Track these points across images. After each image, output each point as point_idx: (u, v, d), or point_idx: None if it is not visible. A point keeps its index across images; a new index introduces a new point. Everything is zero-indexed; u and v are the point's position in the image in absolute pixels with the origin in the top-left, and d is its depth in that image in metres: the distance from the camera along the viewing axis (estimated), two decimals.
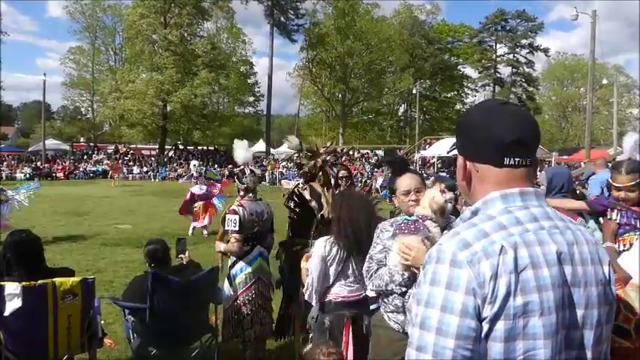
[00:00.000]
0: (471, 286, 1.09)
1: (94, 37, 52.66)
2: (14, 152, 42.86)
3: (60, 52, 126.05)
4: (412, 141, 44.21)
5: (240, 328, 4.16)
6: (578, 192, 6.04)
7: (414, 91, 45.62)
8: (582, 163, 23.49)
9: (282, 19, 49.17)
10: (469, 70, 59.34)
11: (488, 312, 1.09)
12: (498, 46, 57.27)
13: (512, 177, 1.22)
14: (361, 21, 48.44)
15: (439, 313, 1.11)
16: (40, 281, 3.26)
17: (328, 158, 4.37)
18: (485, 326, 1.10)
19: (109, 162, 37.23)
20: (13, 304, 3.15)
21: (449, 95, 59.65)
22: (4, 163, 36.71)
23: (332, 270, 3.11)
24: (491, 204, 1.22)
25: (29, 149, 45.59)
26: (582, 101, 53.68)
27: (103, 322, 3.93)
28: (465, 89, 60.19)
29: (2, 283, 3.21)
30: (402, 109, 60.26)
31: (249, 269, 4.15)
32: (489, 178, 1.25)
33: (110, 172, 31.33)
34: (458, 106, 59.86)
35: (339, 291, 3.13)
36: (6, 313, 3.16)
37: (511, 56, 56.68)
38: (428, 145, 36.49)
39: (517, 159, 1.22)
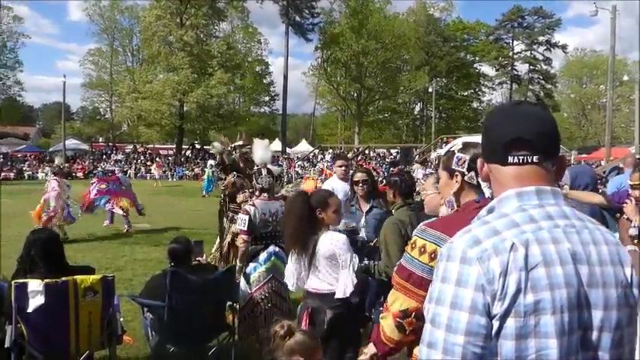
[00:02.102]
0: (480, 282, 1.10)
1: (112, 38, 53.33)
2: (35, 152, 43.56)
3: (80, 54, 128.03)
4: (428, 140, 43.97)
5: (255, 327, 4.19)
6: (600, 191, 5.96)
7: (430, 90, 45.38)
8: (602, 162, 23.14)
9: (297, 18, 49.23)
10: (486, 68, 58.92)
11: (498, 309, 1.09)
12: (515, 43, 56.71)
13: (520, 176, 1.22)
14: (374, 19, 48.25)
15: (449, 309, 1.11)
16: (62, 279, 3.33)
17: (244, 151, 5.37)
18: (496, 323, 1.09)
19: (158, 160, 37.42)
20: (36, 301, 3.23)
21: (465, 93, 59.15)
22: (26, 162, 37.33)
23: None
24: (506, 202, 1.22)
25: (50, 149, 46.32)
26: (602, 99, 52.90)
27: (122, 319, 3.99)
28: (482, 87, 59.69)
29: (26, 280, 3.29)
30: (417, 108, 59.96)
31: (263, 268, 4.20)
32: (500, 177, 1.26)
33: (156, 172, 31.81)
34: (474, 105, 59.41)
35: (310, 283, 3.24)
36: (29, 310, 3.24)
37: (528, 53, 56.07)
38: (444, 144, 36.21)
39: (520, 157, 1.22)
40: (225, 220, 5.63)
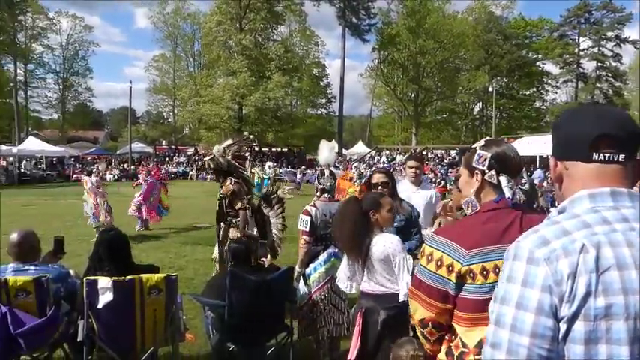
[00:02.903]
0: (547, 283, 1.08)
1: (175, 44, 55.35)
2: (104, 155, 45.79)
3: (145, 60, 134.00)
4: None
5: (314, 327, 4.22)
6: None
7: (490, 89, 44.17)
8: None
9: (353, 19, 49.20)
10: (549, 66, 56.54)
11: (565, 311, 1.06)
12: (581, 39, 54.14)
13: (603, 174, 1.18)
14: (432, 18, 47.52)
15: (514, 309, 1.10)
16: (128, 277, 3.47)
17: (234, 150, 5.26)
18: (563, 326, 1.07)
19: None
20: (105, 298, 3.38)
21: (527, 92, 57.08)
22: (96, 165, 39.29)
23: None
24: (577, 203, 1.19)
25: (117, 152, 48.60)
26: None
27: (184, 317, 4.12)
28: (545, 86, 57.42)
29: (96, 277, 3.45)
30: (477, 108, 58.47)
31: (323, 268, 4.20)
32: (578, 176, 1.22)
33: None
34: (537, 104, 57.24)
35: (365, 284, 3.25)
36: (99, 306, 3.40)
37: (596, 50, 53.37)
38: None
39: (607, 154, 1.18)
40: (222, 225, 5.55)
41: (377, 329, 3.07)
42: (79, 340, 3.50)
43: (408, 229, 4.04)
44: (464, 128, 56.74)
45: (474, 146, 2.03)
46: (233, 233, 5.29)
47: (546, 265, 1.08)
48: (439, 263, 1.81)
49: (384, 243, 3.12)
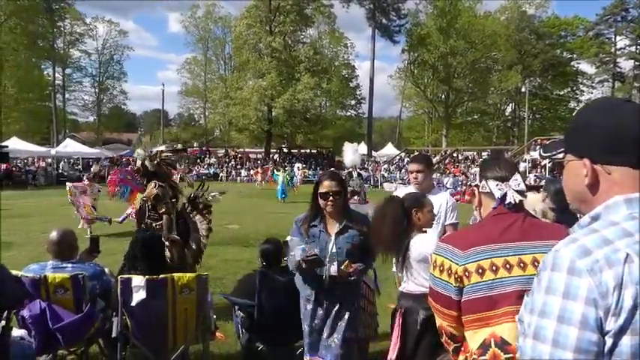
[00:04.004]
0: (591, 296, 1.02)
1: (206, 47, 56.30)
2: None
3: (177, 64, 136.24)
4: (521, 142, 42.03)
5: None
6: None
7: (523, 90, 43.37)
8: None
9: (383, 20, 49.03)
10: (584, 66, 55.10)
11: (612, 325, 1.01)
12: (618, 38, 52.65)
13: None
14: (463, 18, 46.96)
15: (556, 323, 1.04)
16: (161, 275, 3.55)
17: (165, 157, 5.11)
18: (609, 340, 1.02)
19: (267, 166, 38.83)
20: (138, 296, 3.47)
21: (561, 93, 55.79)
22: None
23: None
24: (613, 209, 1.13)
25: None
26: None
27: (214, 316, 4.18)
28: (580, 86, 56.03)
29: (130, 275, 3.55)
30: (509, 109, 57.47)
31: None
32: (621, 181, 1.15)
33: (260, 176, 32.59)
34: (572, 104, 55.85)
35: (404, 285, 3.23)
36: (132, 304, 3.49)
37: (633, 49, 51.81)
38: (538, 146, 34.45)
39: None
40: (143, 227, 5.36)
41: (416, 329, 3.05)
42: (113, 336, 3.60)
43: (364, 250, 3.38)
44: (495, 129, 55.85)
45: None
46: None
47: (590, 277, 1.03)
48: (441, 268, 1.88)
49: (422, 243, 3.10)
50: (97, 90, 55.58)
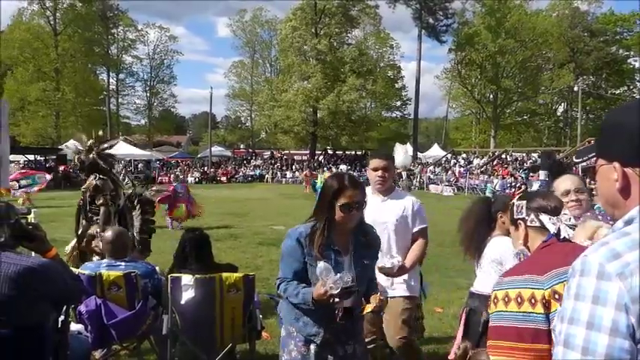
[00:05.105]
0: (622, 301, 0.98)
1: (253, 51, 57.31)
2: (186, 158, 47.97)
3: (225, 67, 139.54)
4: (573, 143, 40.56)
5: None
6: None
7: (575, 89, 41.83)
8: None
9: (430, 20, 48.42)
10: None
11: None
12: None
13: None
14: (513, 16, 45.76)
15: (585, 330, 1.01)
16: (209, 275, 3.64)
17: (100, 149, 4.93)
18: None
19: (306, 172, 38.94)
20: (188, 294, 3.57)
21: (617, 92, 53.42)
22: (179, 168, 41.26)
23: None
24: None
25: (198, 155, 50.79)
26: None
27: (261, 316, 4.25)
28: (638, 84, 53.50)
29: (180, 274, 3.66)
30: (561, 109, 55.53)
31: None
32: None
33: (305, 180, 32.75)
34: None
35: (475, 284, 3.24)
36: (182, 302, 3.59)
37: None
38: None
39: None
40: (82, 221, 5.35)
41: (478, 330, 3.02)
42: (163, 333, 3.72)
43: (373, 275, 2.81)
44: (546, 130, 54.08)
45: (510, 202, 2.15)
46: (93, 229, 5.14)
47: (620, 281, 0.99)
48: (519, 300, 1.74)
49: (499, 245, 3.10)
50: (148, 94, 57.41)
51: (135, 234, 5.31)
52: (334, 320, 2.50)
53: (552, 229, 1.91)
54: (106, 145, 5.39)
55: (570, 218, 1.94)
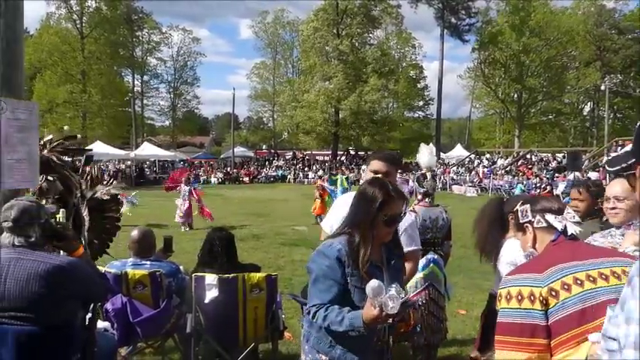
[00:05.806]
0: None
1: (275, 52, 57.54)
2: (209, 159, 48.41)
3: (247, 69, 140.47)
4: (600, 143, 39.73)
5: (410, 333, 4.17)
6: None
7: (602, 88, 40.94)
8: None
9: (452, 20, 48.00)
10: None
11: None
12: None
13: None
14: (538, 15, 45.05)
15: None
16: (232, 274, 3.67)
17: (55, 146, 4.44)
18: None
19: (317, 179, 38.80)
20: (211, 294, 3.61)
21: None
22: (202, 168, 41.69)
23: None
24: None
25: (221, 156, 51.23)
26: None
27: (284, 316, 4.26)
28: None
29: (203, 274, 3.70)
30: (587, 108, 54.43)
31: (421, 274, 4.08)
32: None
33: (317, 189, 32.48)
34: None
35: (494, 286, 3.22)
36: (206, 301, 3.63)
37: None
38: (620, 148, 32.28)
39: None
40: None
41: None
42: (187, 332, 3.76)
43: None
44: (572, 130, 53.08)
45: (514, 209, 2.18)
46: None
47: None
48: (519, 297, 1.82)
49: (513, 248, 3.05)
50: (172, 95, 58.04)
51: (84, 233, 4.91)
52: (377, 341, 2.36)
53: (559, 227, 1.95)
54: (67, 143, 4.87)
55: (574, 216, 1.97)
